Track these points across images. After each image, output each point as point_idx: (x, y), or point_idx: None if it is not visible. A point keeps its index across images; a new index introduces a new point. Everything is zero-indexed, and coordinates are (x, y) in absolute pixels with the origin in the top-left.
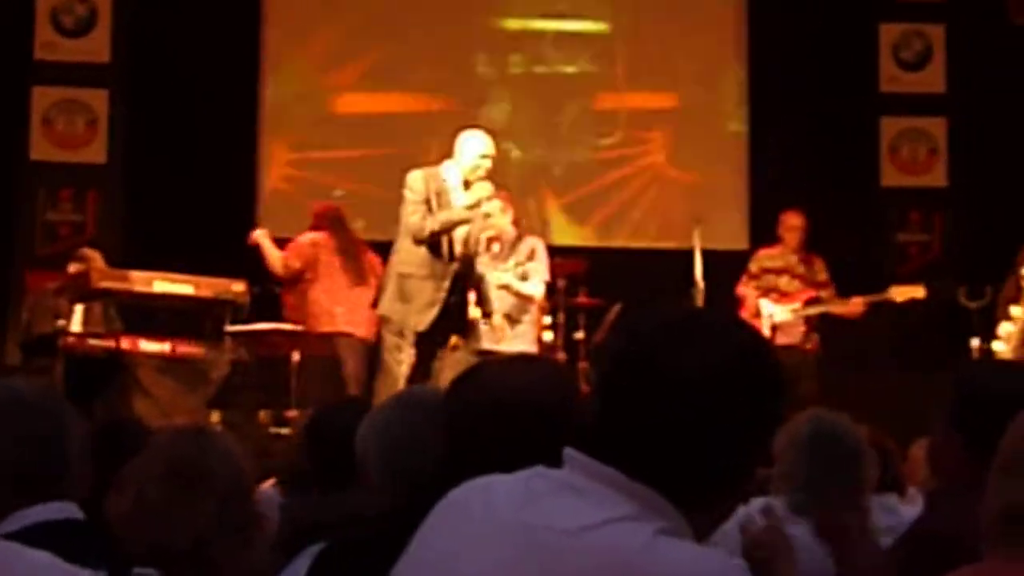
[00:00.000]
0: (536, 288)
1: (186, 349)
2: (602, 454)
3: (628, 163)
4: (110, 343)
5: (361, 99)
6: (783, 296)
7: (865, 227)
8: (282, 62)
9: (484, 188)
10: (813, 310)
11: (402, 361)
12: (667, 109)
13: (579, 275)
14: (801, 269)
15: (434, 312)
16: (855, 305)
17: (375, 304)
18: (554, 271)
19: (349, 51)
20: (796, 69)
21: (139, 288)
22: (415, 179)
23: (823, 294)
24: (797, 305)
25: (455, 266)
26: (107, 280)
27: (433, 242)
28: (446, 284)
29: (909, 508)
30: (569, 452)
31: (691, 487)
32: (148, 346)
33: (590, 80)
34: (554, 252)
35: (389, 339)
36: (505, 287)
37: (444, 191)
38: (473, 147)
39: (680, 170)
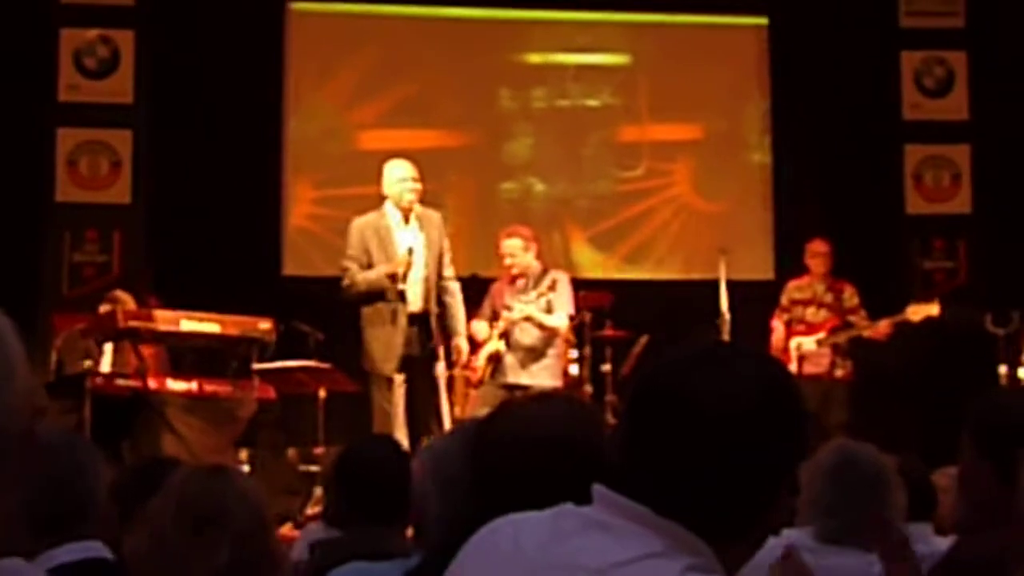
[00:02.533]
0: (560, 320)
1: (213, 388)
2: (629, 490)
3: (652, 195)
4: (137, 383)
5: (385, 135)
6: (809, 328)
7: (890, 255)
8: (305, 100)
9: (401, 260)
10: (837, 338)
11: (393, 402)
12: (690, 140)
13: (605, 308)
14: (829, 298)
15: (396, 356)
16: (882, 327)
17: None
18: (580, 304)
19: (372, 88)
20: (819, 98)
21: (166, 327)
22: (361, 230)
23: (853, 319)
24: (822, 335)
25: (413, 306)
26: (134, 320)
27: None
28: (402, 323)
29: (941, 538)
30: (597, 488)
31: (719, 521)
32: (175, 385)
33: (613, 113)
34: (580, 285)
35: (373, 383)
36: (528, 319)
37: (385, 230)
38: (393, 175)
39: (704, 201)
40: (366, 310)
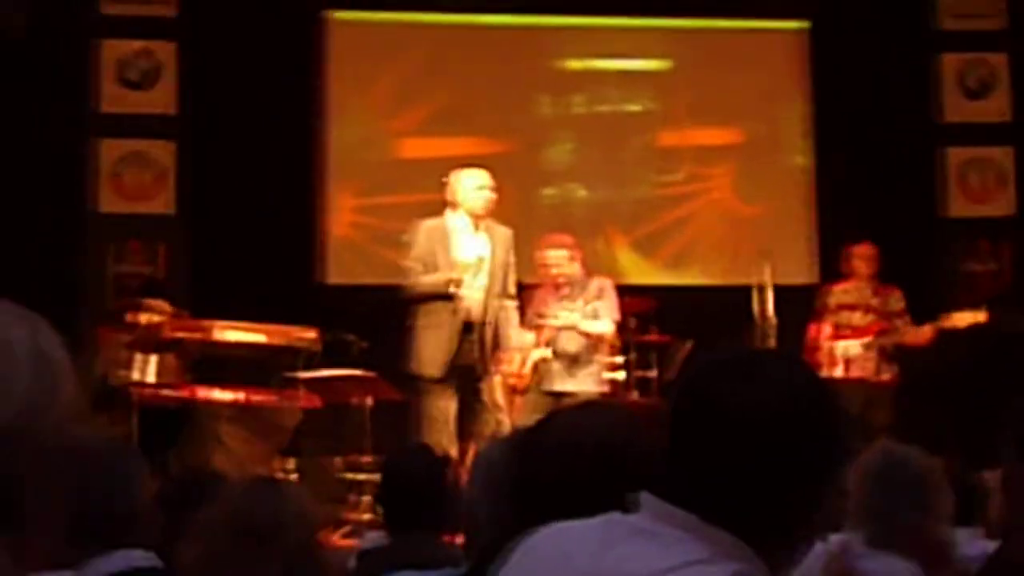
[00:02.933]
0: (606, 327)
1: (259, 397)
2: (675, 497)
3: (694, 199)
4: (184, 393)
5: (425, 143)
6: (855, 332)
7: (933, 257)
8: (345, 108)
9: (466, 266)
10: (883, 341)
11: (443, 408)
12: (731, 144)
13: (649, 313)
14: (875, 302)
15: (445, 360)
16: (925, 333)
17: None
18: (624, 309)
19: (412, 96)
20: (859, 100)
21: (211, 338)
22: (417, 233)
23: (899, 323)
24: (868, 339)
25: (464, 311)
26: (179, 331)
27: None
28: (459, 329)
29: (989, 541)
30: (644, 496)
31: (763, 527)
32: (221, 395)
33: (653, 117)
34: (623, 290)
35: (422, 389)
36: (572, 327)
37: (446, 237)
38: (469, 182)
39: (745, 205)
40: (420, 309)
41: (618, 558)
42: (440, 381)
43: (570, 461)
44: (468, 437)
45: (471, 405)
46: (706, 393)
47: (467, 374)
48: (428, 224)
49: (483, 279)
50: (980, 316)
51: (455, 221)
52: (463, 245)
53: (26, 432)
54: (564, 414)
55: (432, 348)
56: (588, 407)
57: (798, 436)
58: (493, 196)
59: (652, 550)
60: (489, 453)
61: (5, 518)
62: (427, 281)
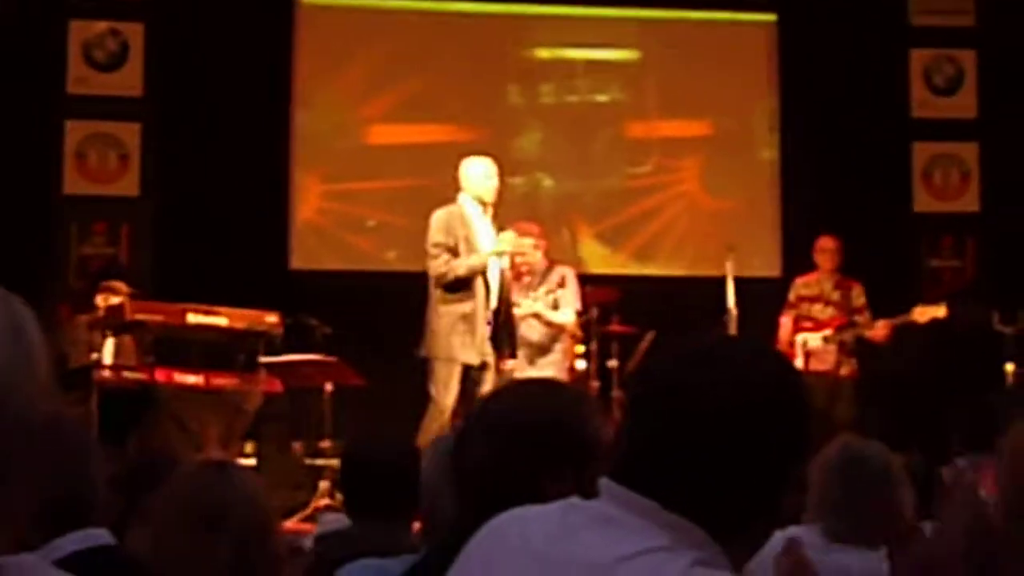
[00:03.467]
0: (567, 316)
1: (220, 381)
2: (635, 483)
3: (660, 191)
4: (144, 376)
5: (393, 130)
6: (816, 324)
7: (898, 253)
8: (314, 94)
9: (507, 239)
10: (842, 336)
11: (450, 394)
12: (699, 137)
13: (612, 303)
14: (836, 296)
15: (481, 345)
16: (880, 328)
17: (417, 343)
18: (587, 299)
19: (381, 83)
20: (827, 95)
21: (173, 320)
22: (446, 221)
23: (859, 319)
24: (828, 332)
25: (493, 299)
26: (141, 312)
27: (457, 286)
28: (488, 316)
29: None
30: (604, 482)
31: (723, 516)
32: (182, 378)
33: (621, 108)
34: (587, 280)
35: (440, 373)
36: (536, 316)
37: (468, 224)
38: (476, 171)
39: (712, 198)
40: (451, 296)
41: (578, 544)
42: (471, 364)
43: (503, 440)
44: None
45: (471, 394)
46: (668, 380)
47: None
48: (445, 211)
49: (496, 268)
50: (939, 311)
51: (469, 207)
52: (480, 231)
53: (2, 408)
54: (500, 394)
55: (464, 335)
56: (523, 385)
57: (767, 428)
58: (497, 183)
59: (612, 537)
60: (445, 440)
61: None
62: (466, 263)
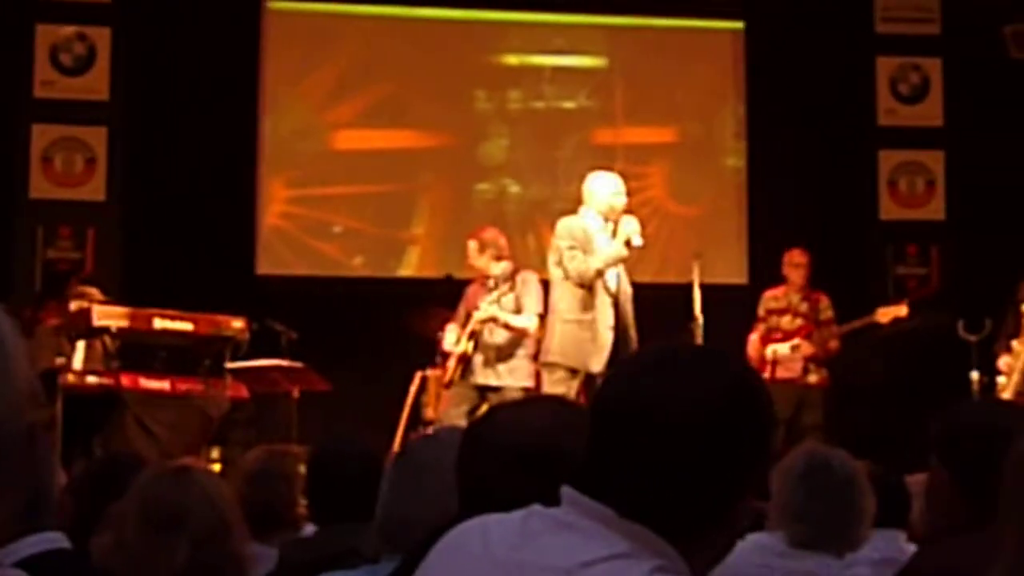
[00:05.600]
0: (528, 321)
1: (186, 386)
2: (597, 492)
3: (627, 197)
4: (110, 381)
5: (360, 136)
6: (785, 335)
7: (863, 261)
8: (280, 99)
9: (630, 224)
10: (804, 350)
11: None
12: (665, 144)
13: None
14: (804, 308)
15: (606, 352)
16: (833, 337)
17: (536, 354)
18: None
19: (348, 88)
20: (794, 103)
21: (139, 325)
22: (570, 227)
23: (825, 332)
24: (796, 341)
25: (611, 302)
26: (107, 317)
27: (595, 281)
28: (611, 323)
29: (911, 545)
30: (565, 490)
31: (685, 523)
32: (147, 383)
33: (588, 115)
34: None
35: (558, 383)
36: (492, 319)
37: (589, 236)
38: (605, 188)
39: (679, 205)
40: (575, 302)
41: (538, 550)
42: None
43: (510, 461)
44: None
45: None
46: (629, 389)
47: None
48: (574, 219)
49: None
50: (901, 311)
51: (591, 220)
52: (601, 244)
53: None
54: (505, 412)
55: (591, 342)
56: (529, 404)
57: (727, 433)
58: (625, 200)
59: (572, 543)
60: (418, 449)
61: None
62: (601, 256)
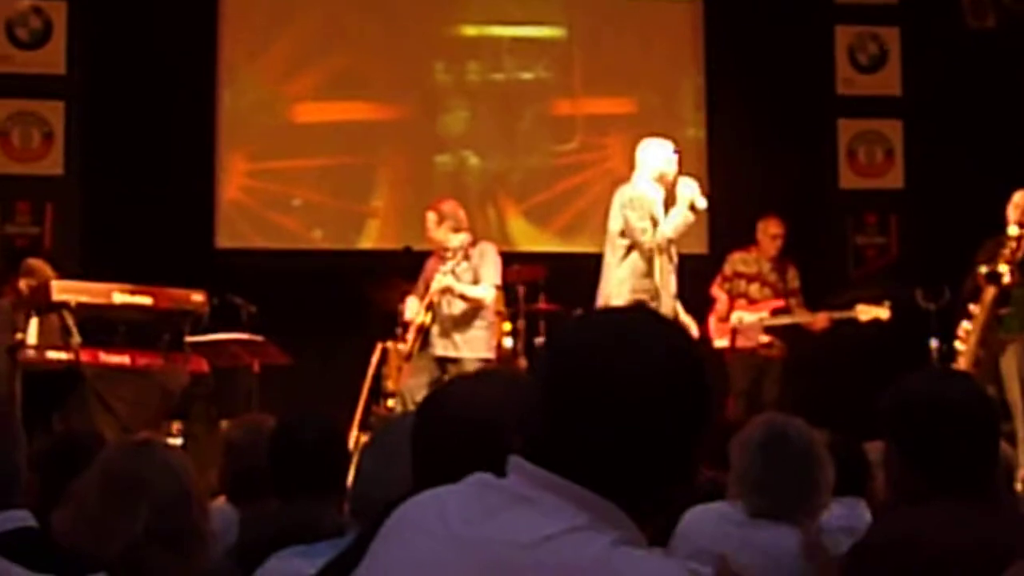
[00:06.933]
0: (484, 292)
1: (145, 361)
2: (548, 462)
3: (587, 169)
4: (69, 356)
5: (319, 108)
6: (751, 303)
7: (823, 230)
8: (239, 72)
9: (690, 187)
10: (778, 321)
11: None
12: (624, 115)
13: (539, 281)
14: (773, 277)
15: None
16: (820, 321)
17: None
18: (514, 277)
19: (306, 61)
20: (753, 73)
21: (98, 300)
22: (632, 197)
23: (792, 302)
24: (764, 314)
25: (673, 270)
26: (66, 292)
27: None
28: (674, 290)
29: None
30: (515, 460)
31: (638, 493)
32: (107, 358)
33: (547, 86)
34: (514, 258)
35: None
36: (448, 290)
37: (650, 203)
38: (660, 153)
39: None
40: (636, 276)
41: (497, 525)
42: None
43: (463, 434)
44: None
45: None
46: (581, 362)
47: None
48: (633, 190)
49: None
50: (882, 313)
51: (648, 188)
52: (661, 211)
53: None
54: (459, 385)
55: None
56: (484, 377)
57: (671, 404)
58: (674, 169)
59: (532, 517)
60: (397, 429)
61: None
62: (675, 219)
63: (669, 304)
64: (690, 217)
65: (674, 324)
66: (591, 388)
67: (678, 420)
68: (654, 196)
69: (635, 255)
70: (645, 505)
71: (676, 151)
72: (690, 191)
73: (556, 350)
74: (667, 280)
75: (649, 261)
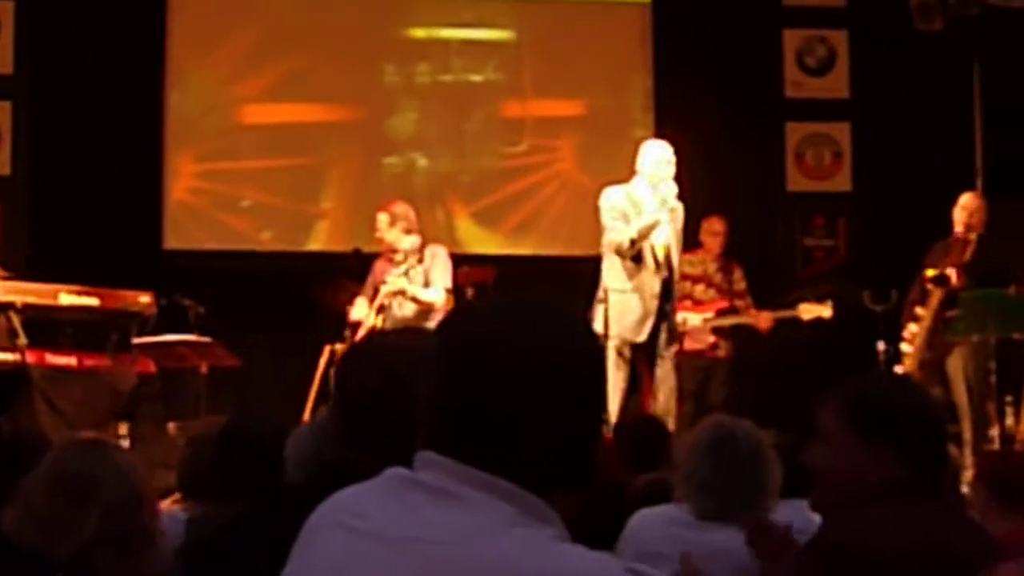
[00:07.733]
0: (436, 295)
1: (92, 362)
2: (458, 454)
3: (536, 171)
4: (15, 357)
5: (267, 109)
6: (696, 305)
7: (771, 232)
8: (187, 73)
9: (667, 187)
10: (723, 321)
11: (620, 376)
12: (574, 116)
13: (487, 283)
14: (719, 278)
15: (650, 323)
16: (764, 320)
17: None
18: (462, 279)
19: (255, 62)
20: (701, 75)
21: (44, 301)
22: (610, 196)
23: (739, 303)
24: (709, 315)
25: (663, 273)
26: (12, 293)
27: (636, 252)
28: (656, 292)
29: (816, 514)
30: (428, 455)
31: (549, 483)
32: (54, 359)
33: (496, 88)
34: (463, 260)
35: (609, 355)
36: (401, 292)
37: (637, 204)
38: (650, 156)
39: (588, 177)
40: (621, 272)
41: (423, 523)
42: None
43: (388, 381)
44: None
45: (636, 380)
46: (473, 349)
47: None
48: (618, 190)
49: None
50: (824, 311)
51: (640, 189)
52: (649, 211)
53: None
54: (378, 336)
55: (633, 312)
56: (402, 332)
57: (575, 394)
58: (673, 169)
59: (459, 514)
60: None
61: None
62: (636, 225)
63: (650, 306)
64: (657, 217)
65: (567, 310)
66: (473, 375)
67: (582, 411)
68: (640, 197)
69: (610, 259)
70: (553, 489)
71: (670, 160)
72: (666, 191)
73: (448, 337)
74: (649, 282)
75: (635, 262)
